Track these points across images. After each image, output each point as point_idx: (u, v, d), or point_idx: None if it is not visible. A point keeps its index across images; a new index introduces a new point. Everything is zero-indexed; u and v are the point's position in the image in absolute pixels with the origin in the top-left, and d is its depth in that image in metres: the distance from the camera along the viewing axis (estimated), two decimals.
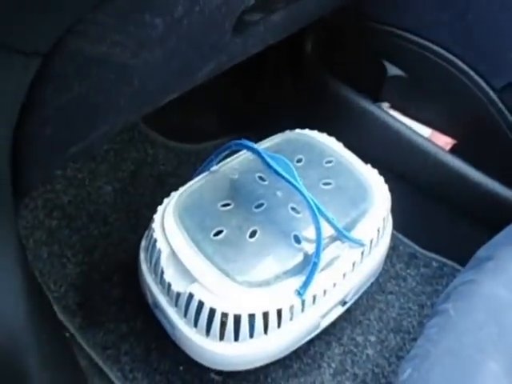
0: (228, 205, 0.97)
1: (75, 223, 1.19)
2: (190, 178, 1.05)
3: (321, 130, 1.12)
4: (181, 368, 1.03)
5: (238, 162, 1.04)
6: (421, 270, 1.18)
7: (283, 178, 0.92)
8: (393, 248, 1.09)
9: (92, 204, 1.23)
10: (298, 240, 0.93)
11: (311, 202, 0.89)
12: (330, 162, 1.05)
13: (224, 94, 1.28)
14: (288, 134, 1.11)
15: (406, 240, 1.20)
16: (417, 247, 1.20)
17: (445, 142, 1.11)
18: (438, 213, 1.14)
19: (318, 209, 0.90)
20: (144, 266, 0.99)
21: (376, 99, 1.16)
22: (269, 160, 0.93)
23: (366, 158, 1.07)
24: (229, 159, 1.05)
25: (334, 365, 1.06)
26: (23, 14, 0.51)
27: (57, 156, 0.75)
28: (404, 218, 1.09)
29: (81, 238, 1.17)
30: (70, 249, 1.16)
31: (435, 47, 1.06)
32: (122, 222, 1.21)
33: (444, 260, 1.18)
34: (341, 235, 0.94)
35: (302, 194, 0.90)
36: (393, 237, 1.08)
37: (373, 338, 1.09)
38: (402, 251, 1.19)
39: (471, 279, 0.81)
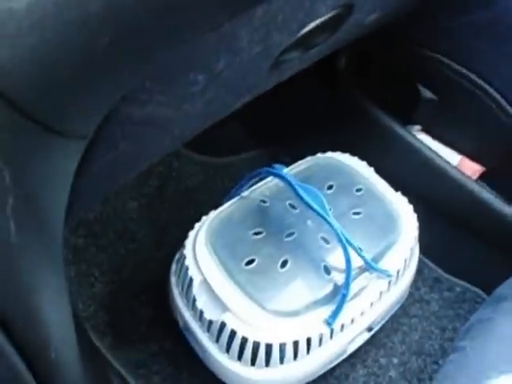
0: (260, 233, 1.04)
1: (102, 241, 1.25)
2: (223, 194, 1.12)
3: (352, 151, 1.19)
4: None
5: (268, 188, 1.11)
6: (444, 294, 1.25)
7: (313, 210, 0.99)
8: (418, 272, 1.16)
9: (118, 220, 1.29)
10: (327, 270, 1.01)
11: (341, 236, 0.97)
12: (360, 189, 1.12)
13: (252, 106, 1.34)
14: (319, 158, 1.19)
15: (431, 264, 1.27)
16: (441, 271, 1.27)
17: (474, 169, 1.18)
18: (463, 239, 1.21)
19: (348, 242, 0.97)
20: (175, 291, 1.06)
21: (408, 121, 1.22)
22: (299, 191, 1.01)
23: (394, 182, 1.14)
24: (259, 184, 1.12)
25: None
26: (80, 99, 0.56)
27: (96, 198, 0.83)
28: (430, 242, 1.16)
29: (108, 256, 1.23)
30: (98, 267, 1.22)
31: (469, 74, 1.12)
32: (149, 239, 1.27)
33: (467, 285, 1.25)
34: (369, 267, 1.02)
35: (332, 227, 0.98)
36: (419, 260, 1.15)
37: (396, 361, 1.17)
38: (426, 275, 1.26)
39: (489, 317, 0.88)
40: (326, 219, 0.98)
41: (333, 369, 1.12)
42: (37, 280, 0.61)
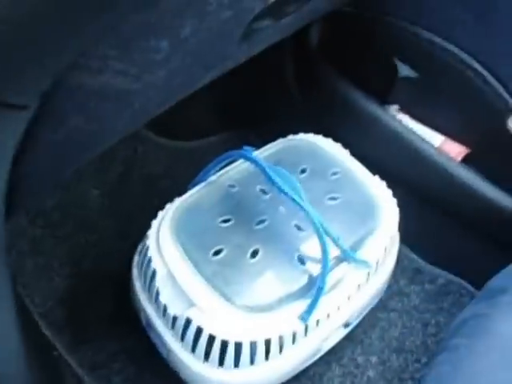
0: (228, 220, 0.94)
1: (61, 231, 1.16)
2: (189, 180, 1.02)
3: (325, 133, 1.09)
4: None
5: (237, 172, 1.01)
6: (425, 286, 1.15)
7: (286, 195, 0.89)
8: (397, 262, 1.06)
9: (78, 210, 1.19)
10: (302, 261, 0.91)
11: (317, 223, 0.87)
12: (336, 173, 1.02)
13: (219, 86, 1.24)
14: (291, 141, 1.08)
15: (410, 254, 1.17)
16: (422, 262, 1.17)
17: (457, 151, 1.08)
18: (446, 227, 1.11)
19: (325, 230, 0.87)
20: (137, 284, 0.96)
21: (385, 101, 1.13)
22: (272, 175, 0.91)
23: (371, 166, 1.05)
24: (228, 168, 1.02)
25: None
26: (21, 64, 0.48)
27: (49, 183, 0.73)
28: (410, 231, 1.05)
29: (67, 247, 1.14)
30: (56, 259, 1.12)
31: (452, 47, 1.02)
32: (112, 228, 1.18)
33: (450, 276, 1.15)
34: (347, 256, 0.92)
35: (307, 214, 0.87)
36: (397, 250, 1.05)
37: (374, 359, 1.07)
38: (406, 266, 1.16)
39: (484, 313, 0.78)
40: (300, 205, 0.88)
41: (306, 368, 1.02)
42: None
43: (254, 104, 1.32)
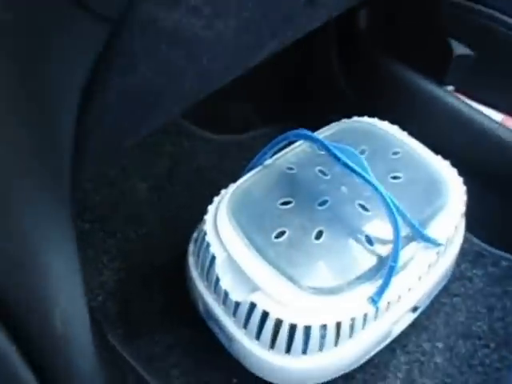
0: (288, 203, 0.87)
1: (109, 225, 1.09)
2: (237, 173, 0.95)
3: (380, 118, 1.01)
4: (234, 381, 0.93)
5: (294, 155, 0.94)
6: (488, 269, 1.06)
7: (354, 171, 0.81)
8: None
9: (126, 204, 1.13)
10: (369, 241, 0.83)
11: (388, 200, 0.79)
12: (396, 153, 0.94)
13: (264, 79, 1.17)
14: (346, 123, 1.01)
15: (471, 236, 1.08)
16: (483, 244, 1.08)
17: None
18: (509, 206, 1.03)
19: (396, 207, 0.79)
20: (194, 273, 0.89)
21: (438, 82, 1.05)
22: (336, 152, 0.83)
23: (431, 147, 0.97)
24: (283, 151, 0.95)
25: (400, 375, 0.96)
26: None
27: (111, 149, 0.67)
28: (470, 212, 0.97)
29: (116, 241, 1.07)
30: (106, 254, 1.05)
31: (511, 21, 0.95)
32: (161, 222, 1.11)
33: None
34: (418, 235, 0.84)
35: (377, 189, 0.80)
36: None
37: (440, 345, 0.98)
38: (467, 249, 1.07)
39: None
40: (369, 181, 0.80)
41: (370, 357, 0.93)
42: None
43: (300, 97, 1.25)
